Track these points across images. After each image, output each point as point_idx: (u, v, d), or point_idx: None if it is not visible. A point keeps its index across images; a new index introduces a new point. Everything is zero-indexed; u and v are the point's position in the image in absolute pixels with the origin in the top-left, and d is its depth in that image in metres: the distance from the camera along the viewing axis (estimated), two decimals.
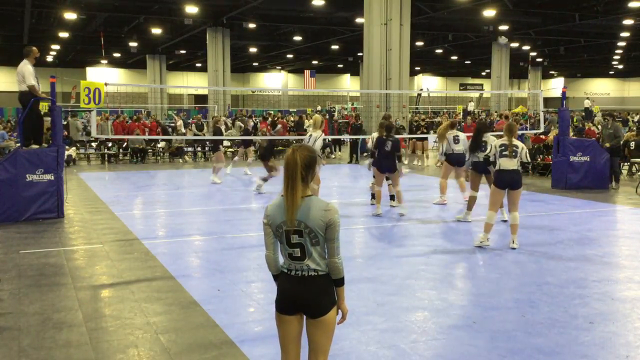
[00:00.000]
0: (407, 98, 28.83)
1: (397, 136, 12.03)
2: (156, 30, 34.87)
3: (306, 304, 3.37)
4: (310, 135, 11.45)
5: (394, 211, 11.31)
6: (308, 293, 3.36)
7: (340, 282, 3.44)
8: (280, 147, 24.32)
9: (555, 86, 57.87)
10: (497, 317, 5.61)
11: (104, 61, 48.73)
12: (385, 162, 10.64)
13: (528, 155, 8.74)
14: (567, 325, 5.38)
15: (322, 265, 3.38)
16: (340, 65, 56.60)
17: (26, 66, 10.61)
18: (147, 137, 21.69)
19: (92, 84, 10.83)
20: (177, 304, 5.97)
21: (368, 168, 11.63)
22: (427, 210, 11.59)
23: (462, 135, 11.79)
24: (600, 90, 65.61)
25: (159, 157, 22.85)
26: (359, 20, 28.44)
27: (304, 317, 3.43)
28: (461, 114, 40.68)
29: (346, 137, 23.95)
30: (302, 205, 3.31)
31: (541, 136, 17.90)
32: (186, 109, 47.70)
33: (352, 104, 45.36)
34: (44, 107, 14.04)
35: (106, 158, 21.91)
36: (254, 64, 55.46)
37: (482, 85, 64.40)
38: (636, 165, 17.36)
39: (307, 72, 44.81)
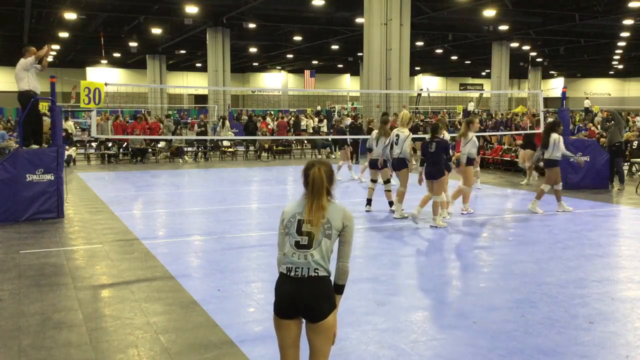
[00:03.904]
0: (407, 98, 28.83)
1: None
2: (156, 30, 34.88)
3: (306, 307, 3.34)
4: (398, 136, 10.45)
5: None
6: (308, 296, 3.33)
7: (341, 289, 3.48)
8: (281, 147, 24.35)
9: (555, 86, 57.87)
10: (497, 317, 5.60)
11: (104, 61, 48.75)
12: (432, 167, 9.73)
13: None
14: (567, 325, 5.37)
15: (325, 264, 3.37)
16: (340, 65, 56.59)
17: (23, 64, 10.61)
18: (147, 137, 21.69)
19: (92, 84, 10.83)
20: (177, 304, 5.97)
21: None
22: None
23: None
24: (600, 90, 65.59)
25: (159, 157, 22.84)
26: (359, 20, 28.44)
27: (303, 320, 3.43)
28: (461, 113, 40.67)
29: (346, 137, 23.93)
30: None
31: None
32: (186, 109, 47.73)
33: (352, 104, 45.36)
34: (44, 107, 14.04)
35: (106, 158, 21.92)
36: (254, 64, 55.47)
37: (482, 85, 64.42)
38: (636, 165, 17.35)
39: (307, 72, 44.80)
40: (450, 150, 10.08)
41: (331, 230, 3.40)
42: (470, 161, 10.98)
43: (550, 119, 14.39)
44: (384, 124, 11.26)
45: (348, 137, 18.29)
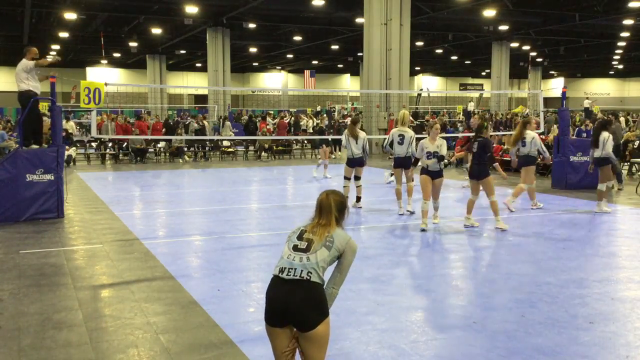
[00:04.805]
0: (407, 98, 28.84)
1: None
2: (156, 30, 34.89)
3: (295, 314, 3.30)
4: (402, 136, 10.68)
5: (389, 212, 11.31)
6: (297, 301, 3.29)
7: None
8: (281, 147, 24.34)
9: (555, 86, 57.87)
10: (497, 317, 5.60)
11: (104, 61, 48.77)
12: (476, 167, 9.61)
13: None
14: (567, 325, 5.37)
15: (319, 270, 3.36)
16: (340, 65, 56.61)
17: (25, 65, 10.61)
18: (147, 137, 21.68)
19: (92, 84, 10.83)
20: (177, 304, 5.97)
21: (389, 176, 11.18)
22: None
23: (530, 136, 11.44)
24: (600, 90, 65.60)
25: (159, 157, 22.83)
26: (359, 20, 28.46)
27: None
28: (461, 113, 40.69)
29: (325, 137, 24.05)
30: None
31: (541, 136, 17.89)
32: (186, 109, 47.74)
33: (352, 104, 45.36)
34: (44, 107, 14.04)
35: (106, 158, 21.91)
36: (254, 64, 55.48)
37: (482, 85, 64.39)
38: (636, 165, 17.35)
39: (307, 72, 44.81)
40: (449, 152, 10.08)
41: (332, 244, 3.42)
42: (532, 160, 11.36)
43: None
44: (354, 124, 11.63)
45: (330, 137, 18.82)
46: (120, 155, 22.12)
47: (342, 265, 3.50)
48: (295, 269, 3.34)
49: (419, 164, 10.12)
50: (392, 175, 15.26)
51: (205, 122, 26.68)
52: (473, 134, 10.11)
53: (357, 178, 11.62)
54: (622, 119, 32.03)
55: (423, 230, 9.42)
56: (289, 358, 3.46)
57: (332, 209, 3.51)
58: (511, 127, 24.75)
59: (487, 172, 9.54)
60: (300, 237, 3.46)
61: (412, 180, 11.06)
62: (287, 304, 3.31)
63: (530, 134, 11.35)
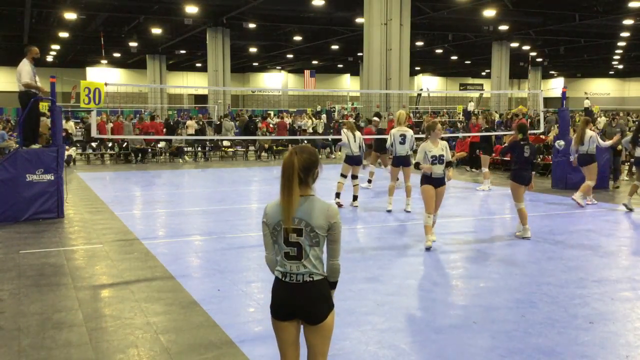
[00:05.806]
0: (407, 98, 28.83)
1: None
2: (156, 30, 34.89)
3: (304, 312, 3.30)
4: (404, 136, 11.02)
5: (391, 211, 11.31)
6: (304, 301, 3.29)
7: (334, 285, 3.45)
8: (281, 147, 24.35)
9: (555, 86, 57.88)
10: (497, 317, 5.61)
11: (104, 61, 48.76)
12: (526, 173, 9.06)
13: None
14: (567, 325, 5.38)
15: (319, 268, 3.33)
16: (340, 65, 56.61)
17: (25, 66, 10.62)
18: (147, 137, 21.67)
19: (92, 84, 10.82)
20: (177, 304, 5.97)
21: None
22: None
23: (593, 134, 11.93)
24: (600, 90, 65.61)
25: (160, 157, 22.83)
26: (359, 20, 28.45)
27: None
28: (461, 113, 40.68)
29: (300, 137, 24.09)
30: (304, 204, 3.26)
31: (541, 136, 17.91)
32: (186, 109, 47.74)
33: (352, 104, 45.36)
34: (44, 107, 14.03)
35: (106, 157, 21.90)
36: (254, 64, 55.49)
37: (482, 85, 64.43)
38: None
39: (307, 72, 44.78)
40: (451, 151, 10.03)
41: (318, 238, 3.28)
42: (592, 158, 11.74)
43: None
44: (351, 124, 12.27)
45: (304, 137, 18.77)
46: (121, 155, 22.12)
47: (334, 237, 3.32)
48: (296, 275, 3.31)
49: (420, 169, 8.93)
50: (370, 182, 14.83)
51: (225, 121, 26.44)
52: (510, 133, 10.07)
53: (354, 177, 11.72)
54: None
55: (428, 249, 8.31)
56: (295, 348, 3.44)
57: (294, 169, 3.16)
58: (511, 128, 24.73)
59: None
60: (287, 242, 3.30)
61: (409, 180, 11.18)
62: (293, 304, 3.30)
63: (589, 133, 11.76)
